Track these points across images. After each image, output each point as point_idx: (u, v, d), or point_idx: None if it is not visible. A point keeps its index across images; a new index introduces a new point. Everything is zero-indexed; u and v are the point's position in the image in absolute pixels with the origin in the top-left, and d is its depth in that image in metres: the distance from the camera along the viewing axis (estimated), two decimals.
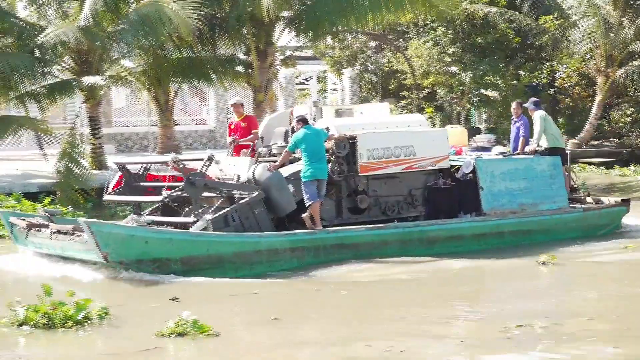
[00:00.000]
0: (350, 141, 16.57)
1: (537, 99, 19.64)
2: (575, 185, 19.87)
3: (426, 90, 36.09)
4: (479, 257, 16.24)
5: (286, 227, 16.16)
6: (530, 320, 11.11)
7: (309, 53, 37.73)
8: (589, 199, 19.32)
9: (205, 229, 15.16)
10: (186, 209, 15.59)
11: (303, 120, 16.18)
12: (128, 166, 17.13)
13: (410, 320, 11.92)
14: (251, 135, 17.60)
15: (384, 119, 17.96)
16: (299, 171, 15.93)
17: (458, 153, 18.72)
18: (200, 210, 15.27)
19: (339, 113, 18.70)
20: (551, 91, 35.81)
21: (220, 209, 15.40)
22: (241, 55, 28.11)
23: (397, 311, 12.50)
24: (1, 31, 25.60)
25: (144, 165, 17.09)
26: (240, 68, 28.06)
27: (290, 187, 15.96)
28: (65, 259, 15.39)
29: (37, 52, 24.96)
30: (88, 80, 25.12)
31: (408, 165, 17.01)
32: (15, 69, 23.88)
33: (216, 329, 10.78)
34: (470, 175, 17.51)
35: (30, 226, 15.70)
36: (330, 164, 16.31)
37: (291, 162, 16.45)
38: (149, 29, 23.69)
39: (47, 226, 15.80)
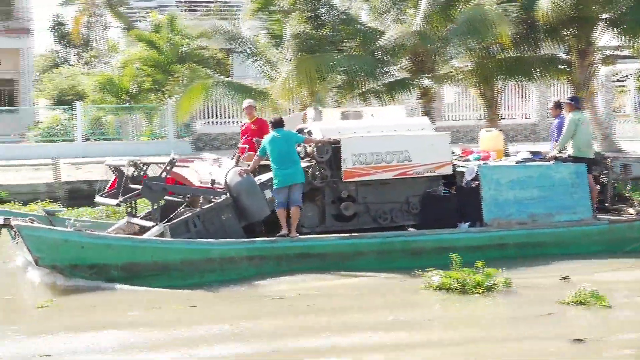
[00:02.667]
0: (333, 145, 15.93)
1: (575, 97, 18.19)
2: (627, 195, 18.51)
3: None
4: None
5: (258, 233, 15.80)
6: None
7: (627, 52, 37.87)
8: (631, 210, 17.80)
9: (162, 234, 14.90)
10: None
11: (273, 124, 15.72)
12: (123, 168, 16.72)
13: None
14: (256, 138, 17.08)
15: (381, 123, 17.08)
16: None
17: (484, 158, 17.72)
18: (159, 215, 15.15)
19: (345, 115, 17.79)
20: None
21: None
22: (562, 55, 29.28)
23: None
24: (348, 36, 27.96)
25: (142, 166, 16.69)
26: (561, 66, 29.20)
27: (269, 193, 15.47)
28: None
29: (377, 54, 27.06)
30: (423, 79, 27.26)
31: (402, 172, 16.18)
32: (359, 70, 26.20)
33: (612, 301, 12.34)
34: (476, 182, 16.48)
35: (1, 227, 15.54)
36: (311, 169, 15.77)
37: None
38: (475, 31, 25.15)
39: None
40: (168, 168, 15.43)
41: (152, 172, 16.54)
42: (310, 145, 16.00)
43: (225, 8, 44.97)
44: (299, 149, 16.02)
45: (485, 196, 16.30)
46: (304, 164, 15.79)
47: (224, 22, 31.14)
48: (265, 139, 15.58)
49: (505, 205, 16.40)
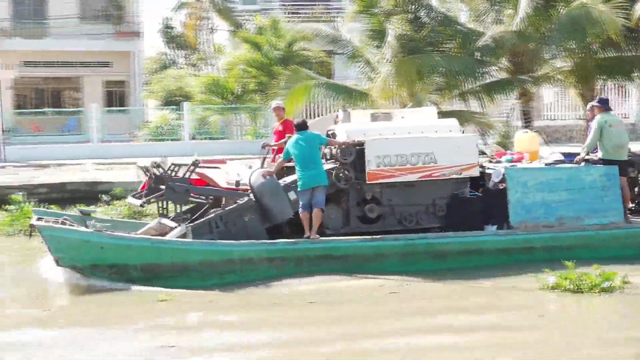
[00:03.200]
0: (358, 147, 16.06)
1: (604, 98, 17.75)
2: None
3: None
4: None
5: (285, 235, 16.09)
6: None
7: None
8: None
9: (184, 235, 15.26)
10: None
11: (297, 126, 15.96)
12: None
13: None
14: (283, 140, 17.35)
15: (408, 124, 17.12)
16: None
17: (517, 160, 17.69)
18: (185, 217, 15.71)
19: (374, 117, 17.88)
20: None
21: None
22: None
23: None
24: (447, 37, 28.48)
25: (173, 168, 16.99)
26: None
27: (293, 194, 15.72)
28: None
29: (477, 55, 27.60)
30: (522, 79, 27.74)
31: (427, 174, 16.21)
32: (459, 70, 26.73)
33: None
34: (503, 184, 16.44)
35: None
36: (335, 171, 15.99)
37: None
38: (577, 31, 25.47)
39: None
40: (191, 169, 15.90)
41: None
42: (334, 147, 16.20)
43: (326, 11, 45.40)
44: (325, 150, 16.35)
45: (511, 198, 16.23)
46: (328, 166, 16.02)
47: (325, 25, 32.10)
48: (289, 142, 15.85)
49: (532, 208, 16.31)
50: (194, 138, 38.38)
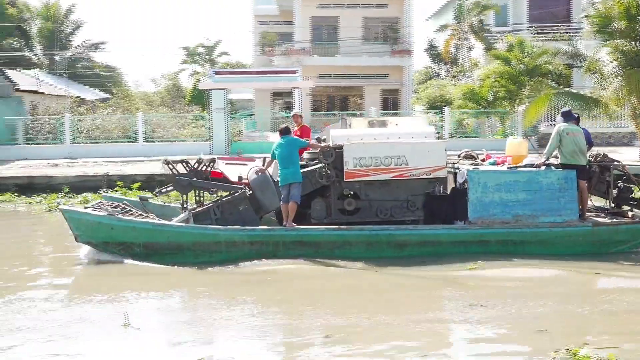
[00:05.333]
0: (337, 150, 18.18)
1: (566, 110, 19.06)
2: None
3: None
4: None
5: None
6: None
7: None
8: (631, 214, 18.82)
9: (186, 220, 17.95)
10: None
11: (280, 132, 18.32)
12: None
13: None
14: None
15: (388, 131, 19.04)
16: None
17: (500, 163, 19.26)
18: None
19: (371, 124, 19.97)
20: None
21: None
22: None
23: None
24: None
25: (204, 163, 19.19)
26: None
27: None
28: None
29: None
30: None
31: (399, 174, 18.07)
32: None
33: None
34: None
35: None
36: (318, 170, 18.26)
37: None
38: None
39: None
40: (195, 166, 18.58)
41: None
42: (316, 150, 18.56)
43: (566, 31, 47.59)
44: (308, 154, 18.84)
45: (471, 197, 17.92)
46: (316, 166, 18.44)
47: (565, 43, 36.14)
48: (274, 144, 18.33)
49: (489, 206, 17.89)
50: (452, 136, 42.28)
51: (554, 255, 17.43)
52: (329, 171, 18.38)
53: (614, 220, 18.54)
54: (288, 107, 50.73)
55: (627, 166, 19.67)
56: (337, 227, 17.94)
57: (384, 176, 18.24)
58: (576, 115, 19.45)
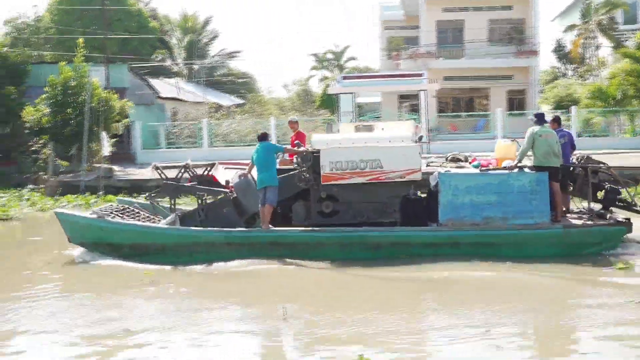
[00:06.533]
0: (314, 154, 18.58)
1: (538, 113, 19.00)
2: (631, 201, 19.04)
3: None
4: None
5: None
6: None
7: None
8: (611, 215, 18.55)
9: (174, 222, 18.83)
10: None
11: (259, 138, 18.97)
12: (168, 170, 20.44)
13: None
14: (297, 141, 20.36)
15: (366, 135, 19.28)
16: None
17: (484, 165, 19.23)
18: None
19: (358, 129, 20.37)
20: None
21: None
22: None
23: None
24: None
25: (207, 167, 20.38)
26: None
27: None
28: None
29: None
30: None
31: (374, 177, 18.32)
32: None
33: None
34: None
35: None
36: (297, 174, 18.71)
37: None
38: None
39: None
40: (182, 171, 19.50)
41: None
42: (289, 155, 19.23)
43: None
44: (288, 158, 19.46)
45: (442, 199, 18.12)
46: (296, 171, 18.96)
47: None
48: (254, 150, 18.93)
49: (460, 208, 18.05)
50: (579, 136, 41.78)
51: (525, 257, 17.32)
52: (307, 175, 18.73)
53: (586, 222, 18.28)
54: (414, 109, 51.30)
55: (612, 168, 19.47)
56: (311, 229, 18.35)
57: (360, 179, 18.49)
58: (555, 118, 19.57)
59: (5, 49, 44.55)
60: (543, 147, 18.18)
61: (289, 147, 20.05)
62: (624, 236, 18.29)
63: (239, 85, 77.50)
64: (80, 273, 17.91)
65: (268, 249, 17.96)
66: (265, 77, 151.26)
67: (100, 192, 33.36)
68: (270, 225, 18.54)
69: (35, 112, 38.66)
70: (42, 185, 35.08)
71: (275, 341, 12.53)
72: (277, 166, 19.57)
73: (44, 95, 38.79)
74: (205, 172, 20.01)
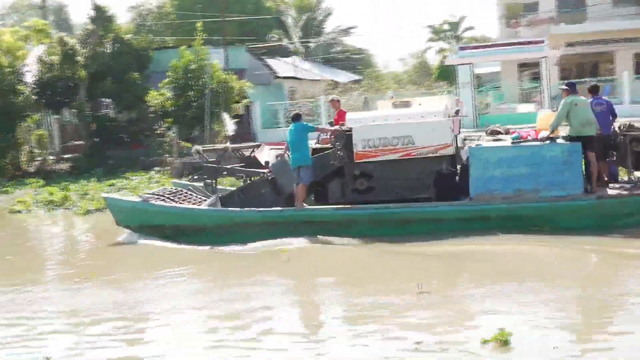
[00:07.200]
0: (347, 133, 18.77)
1: (571, 82, 18.55)
2: None
3: None
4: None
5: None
6: None
7: None
8: None
9: (214, 204, 19.34)
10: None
11: (292, 118, 19.26)
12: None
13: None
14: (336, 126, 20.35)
15: (399, 112, 19.25)
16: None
17: (524, 137, 18.81)
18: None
19: (395, 105, 20.27)
20: None
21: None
22: None
23: None
24: None
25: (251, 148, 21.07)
26: None
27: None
28: None
29: None
30: None
31: (406, 153, 18.38)
32: None
33: None
34: None
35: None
36: (331, 153, 18.96)
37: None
38: None
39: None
40: (222, 155, 20.26)
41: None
42: (326, 134, 19.37)
43: None
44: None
45: (473, 174, 17.98)
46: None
47: None
48: (287, 131, 19.25)
49: (490, 182, 17.84)
50: None
51: (557, 229, 17.01)
52: (340, 153, 18.85)
53: (621, 193, 17.79)
54: (535, 77, 50.11)
55: None
56: (342, 206, 18.57)
57: (392, 156, 18.58)
58: (593, 87, 19.27)
59: (130, 35, 45.66)
60: (579, 116, 17.69)
61: (320, 126, 20.01)
62: None
63: (356, 61, 77.41)
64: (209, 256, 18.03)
65: (302, 228, 18.12)
66: (382, 52, 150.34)
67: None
68: (304, 204, 18.73)
69: (159, 96, 40.12)
70: (168, 168, 35.97)
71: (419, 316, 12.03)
72: (319, 145, 19.78)
73: (166, 80, 40.24)
74: (251, 154, 20.22)
